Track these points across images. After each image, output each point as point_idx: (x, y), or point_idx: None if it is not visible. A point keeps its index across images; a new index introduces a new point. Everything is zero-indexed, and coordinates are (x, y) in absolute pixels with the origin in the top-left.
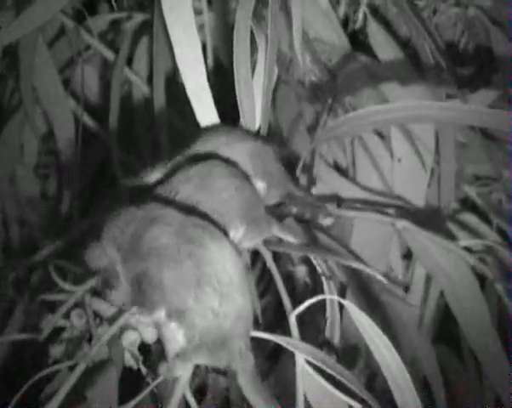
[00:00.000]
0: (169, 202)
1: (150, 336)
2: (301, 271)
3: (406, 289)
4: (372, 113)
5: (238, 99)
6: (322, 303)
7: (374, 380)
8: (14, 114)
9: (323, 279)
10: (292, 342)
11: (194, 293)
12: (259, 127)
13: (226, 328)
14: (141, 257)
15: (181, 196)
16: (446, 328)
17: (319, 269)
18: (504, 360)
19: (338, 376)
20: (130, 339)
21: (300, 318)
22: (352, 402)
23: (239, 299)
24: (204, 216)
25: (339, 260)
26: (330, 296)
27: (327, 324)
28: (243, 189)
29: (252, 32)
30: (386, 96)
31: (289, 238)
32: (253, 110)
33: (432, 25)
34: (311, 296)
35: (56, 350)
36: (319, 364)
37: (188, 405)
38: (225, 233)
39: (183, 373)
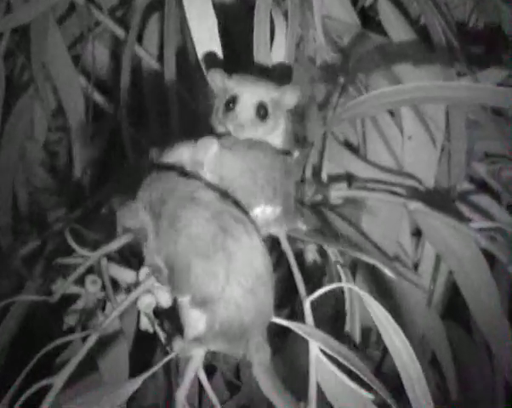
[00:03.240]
0: (210, 184)
1: (166, 300)
2: (311, 249)
3: (416, 267)
4: (386, 94)
5: None
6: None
7: (385, 357)
8: (24, 91)
9: (338, 266)
10: (306, 329)
11: (221, 286)
12: None
13: (247, 321)
14: (175, 237)
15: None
16: (455, 305)
17: (331, 256)
18: None
19: (352, 367)
20: (146, 302)
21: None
22: (365, 392)
23: (263, 295)
24: (237, 203)
25: (349, 251)
26: (346, 284)
27: (347, 315)
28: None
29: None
30: (397, 75)
31: (305, 227)
32: None
33: (442, 2)
34: (321, 274)
35: (70, 318)
36: (333, 353)
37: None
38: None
39: (197, 353)
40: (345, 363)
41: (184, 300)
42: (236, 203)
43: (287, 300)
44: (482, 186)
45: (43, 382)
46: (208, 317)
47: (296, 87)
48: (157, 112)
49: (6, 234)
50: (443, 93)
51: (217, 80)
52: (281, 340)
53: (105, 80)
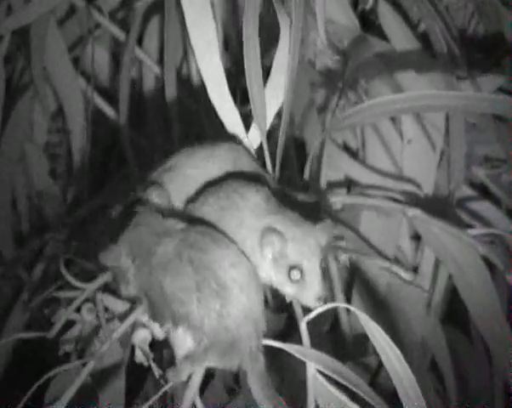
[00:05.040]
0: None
1: (160, 333)
2: None
3: (415, 270)
4: (386, 103)
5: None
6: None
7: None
8: (24, 92)
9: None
10: (303, 350)
11: (196, 297)
12: None
13: (233, 329)
14: (148, 268)
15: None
16: (455, 309)
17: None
18: None
19: (351, 386)
20: (141, 337)
21: None
22: None
23: (244, 300)
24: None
25: (349, 253)
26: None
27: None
28: None
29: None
30: (397, 80)
31: None
32: (265, 107)
33: (442, 6)
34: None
35: (66, 345)
36: (330, 373)
37: None
38: None
39: (193, 377)
40: (343, 382)
41: (168, 325)
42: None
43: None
44: (482, 190)
45: None
46: (194, 332)
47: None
48: (157, 115)
49: (5, 236)
50: (444, 102)
51: (274, 247)
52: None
53: (104, 82)
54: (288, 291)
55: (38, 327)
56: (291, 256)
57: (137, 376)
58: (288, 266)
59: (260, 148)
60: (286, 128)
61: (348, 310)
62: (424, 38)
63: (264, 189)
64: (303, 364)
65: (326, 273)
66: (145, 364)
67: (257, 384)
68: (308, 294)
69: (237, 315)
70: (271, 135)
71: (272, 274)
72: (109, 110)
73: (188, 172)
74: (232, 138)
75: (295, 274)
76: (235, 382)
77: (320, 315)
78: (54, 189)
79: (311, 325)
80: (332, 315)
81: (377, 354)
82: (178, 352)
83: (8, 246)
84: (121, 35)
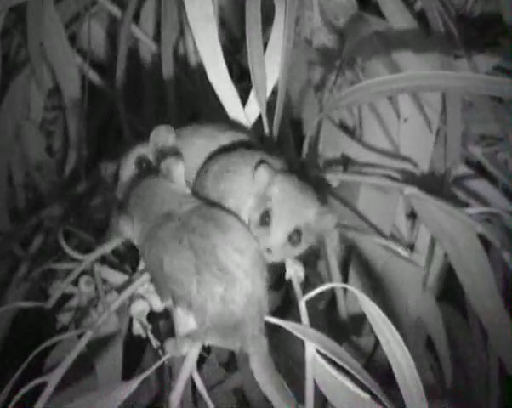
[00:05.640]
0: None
1: (159, 305)
2: None
3: (411, 248)
4: (383, 82)
5: (250, 66)
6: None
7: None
8: (20, 70)
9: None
10: (302, 329)
11: (196, 280)
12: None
13: (237, 313)
14: (151, 245)
15: None
16: (450, 287)
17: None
18: (507, 325)
19: (348, 367)
20: (139, 308)
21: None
22: (361, 392)
23: (248, 284)
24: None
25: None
26: (338, 284)
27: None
28: None
29: None
30: (394, 58)
31: None
32: (265, 79)
33: None
34: (316, 258)
35: (64, 317)
36: (329, 354)
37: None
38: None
39: (191, 351)
40: (340, 362)
41: (169, 302)
42: (218, 205)
43: (281, 287)
44: (478, 169)
45: (37, 381)
46: (196, 314)
47: (332, 212)
48: (154, 92)
49: (1, 214)
50: (440, 82)
51: (262, 181)
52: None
53: (101, 59)
54: (252, 230)
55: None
56: (272, 201)
57: (135, 348)
58: (265, 210)
59: (258, 124)
60: (282, 103)
61: (344, 290)
62: (421, 17)
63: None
64: (297, 343)
65: (322, 251)
66: (143, 335)
67: (260, 366)
68: (266, 241)
69: (241, 300)
70: (267, 113)
71: (251, 214)
72: (105, 87)
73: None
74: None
75: (265, 219)
76: (231, 359)
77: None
78: (50, 166)
79: (308, 303)
80: (329, 294)
81: (373, 334)
82: (179, 329)
83: (4, 223)
84: (117, 12)
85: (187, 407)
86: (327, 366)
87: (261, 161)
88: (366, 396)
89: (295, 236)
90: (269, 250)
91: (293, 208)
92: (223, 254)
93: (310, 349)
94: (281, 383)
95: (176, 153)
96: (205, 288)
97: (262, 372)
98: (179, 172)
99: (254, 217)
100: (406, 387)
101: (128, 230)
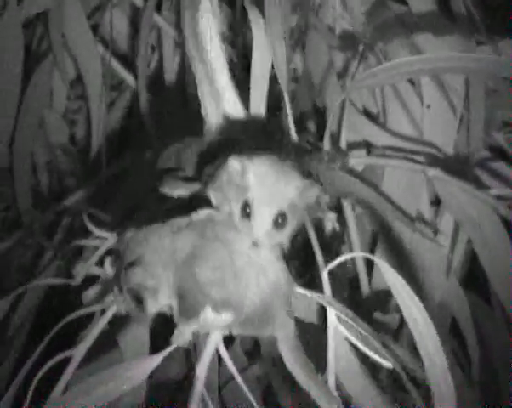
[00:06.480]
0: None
1: None
2: (330, 218)
3: (436, 234)
4: (405, 64)
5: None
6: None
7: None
8: (43, 60)
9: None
10: (324, 298)
11: (232, 278)
12: None
13: (266, 303)
14: (176, 267)
15: None
16: (474, 273)
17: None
18: None
19: (368, 337)
20: None
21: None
22: (382, 361)
23: (272, 276)
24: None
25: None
26: (361, 253)
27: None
28: None
29: None
30: (416, 43)
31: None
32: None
33: None
34: (340, 243)
35: (88, 295)
36: (350, 322)
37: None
38: None
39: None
40: (361, 332)
41: (207, 316)
42: None
43: (306, 268)
44: (501, 155)
45: (63, 355)
46: (235, 313)
47: (314, 184)
48: (176, 81)
49: (25, 202)
50: (462, 65)
51: (235, 174)
52: None
53: (123, 49)
54: (236, 222)
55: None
56: (249, 190)
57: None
58: (244, 201)
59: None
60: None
61: (369, 269)
62: (444, 2)
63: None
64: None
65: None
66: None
67: (288, 350)
68: (250, 234)
69: (268, 290)
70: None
71: (232, 207)
72: (127, 76)
73: None
74: None
75: (246, 210)
76: (255, 346)
77: (339, 270)
78: (73, 155)
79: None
80: (352, 272)
81: (399, 313)
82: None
83: (28, 211)
84: (139, 1)
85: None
86: (349, 335)
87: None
88: (388, 364)
89: (280, 219)
90: (254, 243)
91: (273, 191)
92: (244, 253)
93: (332, 318)
94: (309, 365)
95: None
96: (240, 284)
97: (290, 355)
98: None
99: (235, 210)
100: (432, 367)
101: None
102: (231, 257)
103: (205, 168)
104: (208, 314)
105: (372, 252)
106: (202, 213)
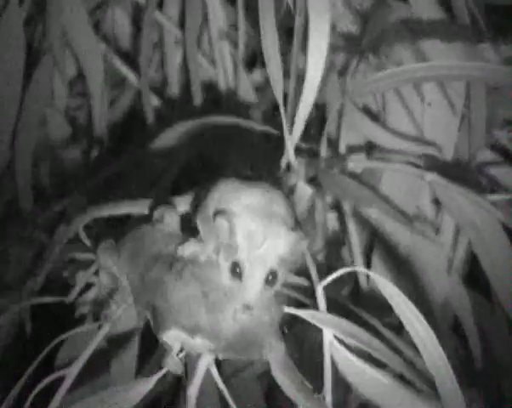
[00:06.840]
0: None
1: None
2: (331, 218)
3: (436, 233)
4: (409, 71)
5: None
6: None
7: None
8: (44, 57)
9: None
10: (319, 316)
11: (205, 307)
12: None
13: (248, 331)
14: (149, 289)
15: None
16: (476, 274)
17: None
18: None
19: (369, 350)
20: None
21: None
22: (383, 376)
23: (256, 307)
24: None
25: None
26: (359, 268)
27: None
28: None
29: None
30: (418, 45)
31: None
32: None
33: None
34: (340, 244)
35: (82, 308)
36: (348, 339)
37: None
38: None
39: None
40: (361, 346)
41: (178, 335)
42: None
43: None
44: (504, 154)
45: (57, 374)
46: (211, 339)
47: (303, 237)
48: (178, 79)
49: (26, 200)
50: (467, 72)
51: (222, 232)
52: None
53: (125, 46)
54: (224, 279)
55: (56, 288)
56: (239, 251)
57: (150, 342)
58: (233, 262)
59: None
60: None
61: (369, 267)
62: (445, 2)
63: None
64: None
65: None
66: None
67: (280, 372)
68: (242, 297)
69: (251, 317)
70: None
71: (221, 264)
72: (129, 74)
73: None
74: None
75: (236, 271)
76: None
77: (338, 279)
78: (74, 153)
79: (329, 288)
80: (353, 278)
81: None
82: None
83: (29, 210)
84: None
85: (208, 398)
86: (346, 352)
87: (217, 212)
88: (388, 380)
89: (271, 276)
90: (246, 306)
91: (263, 252)
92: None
93: (328, 336)
94: (304, 386)
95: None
96: (215, 312)
97: (283, 377)
98: (173, 219)
99: (224, 268)
100: (435, 368)
101: (110, 263)
102: (205, 294)
103: (195, 188)
104: (177, 333)
105: (371, 250)
106: (188, 250)
